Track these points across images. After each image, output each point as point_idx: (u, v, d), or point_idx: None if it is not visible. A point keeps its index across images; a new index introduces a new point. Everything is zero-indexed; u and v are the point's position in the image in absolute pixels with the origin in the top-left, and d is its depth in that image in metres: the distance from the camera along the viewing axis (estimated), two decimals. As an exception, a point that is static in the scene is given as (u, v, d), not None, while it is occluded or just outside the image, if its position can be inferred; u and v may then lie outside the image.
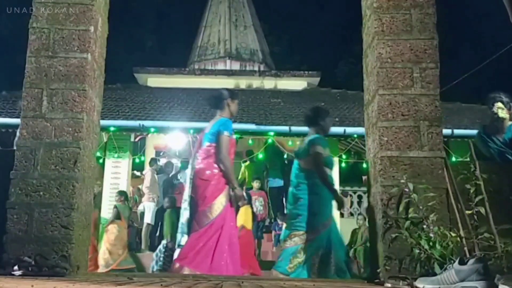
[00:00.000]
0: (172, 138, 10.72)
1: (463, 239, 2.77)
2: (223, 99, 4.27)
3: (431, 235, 2.67)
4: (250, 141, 10.19)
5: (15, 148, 3.08)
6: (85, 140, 3.07)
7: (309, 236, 4.09)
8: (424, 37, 3.10)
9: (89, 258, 4.44)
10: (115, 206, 8.23)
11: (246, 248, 6.92)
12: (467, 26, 20.79)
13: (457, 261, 2.26)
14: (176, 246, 4.25)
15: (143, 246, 9.26)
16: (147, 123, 9.32)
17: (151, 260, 7.97)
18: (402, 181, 2.84)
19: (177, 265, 3.89)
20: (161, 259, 7.82)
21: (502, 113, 4.18)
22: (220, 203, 3.96)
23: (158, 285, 2.34)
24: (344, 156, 10.61)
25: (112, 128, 9.16)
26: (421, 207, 2.77)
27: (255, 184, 9.35)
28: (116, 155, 9.97)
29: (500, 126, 4.19)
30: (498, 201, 2.88)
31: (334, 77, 21.02)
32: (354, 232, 9.49)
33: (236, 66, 14.77)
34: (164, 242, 8.01)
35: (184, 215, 4.16)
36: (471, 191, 2.88)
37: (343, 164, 10.59)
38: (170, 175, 10.31)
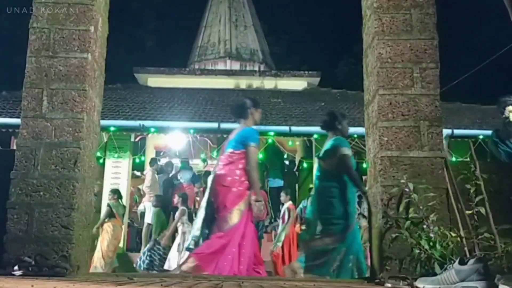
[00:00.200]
0: (172, 138, 10.72)
1: (463, 239, 2.77)
2: (247, 108, 4.35)
3: (431, 235, 2.67)
4: (250, 141, 10.17)
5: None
6: (85, 140, 3.07)
7: (337, 237, 4.13)
8: (424, 37, 3.10)
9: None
10: (108, 205, 8.23)
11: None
12: (467, 26, 20.79)
13: (457, 261, 2.26)
14: (185, 248, 4.30)
15: (143, 246, 9.25)
16: (147, 123, 9.31)
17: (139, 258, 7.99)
18: (402, 181, 2.84)
19: (193, 262, 3.93)
20: (148, 257, 7.85)
21: None
22: (239, 210, 4.04)
23: (158, 285, 2.34)
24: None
25: (112, 128, 9.15)
26: (421, 207, 2.77)
27: (255, 184, 9.33)
28: (116, 155, 9.96)
29: None
30: (498, 201, 2.88)
31: (334, 77, 21.02)
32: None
33: (236, 66, 14.77)
34: (152, 241, 8.04)
35: (198, 221, 4.21)
36: (471, 191, 2.88)
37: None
38: (170, 175, 10.31)
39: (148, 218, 9.36)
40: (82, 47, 3.13)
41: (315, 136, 9.39)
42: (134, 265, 7.97)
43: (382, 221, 2.86)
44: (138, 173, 11.57)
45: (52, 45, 3.13)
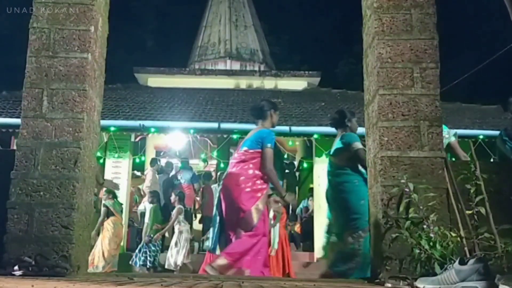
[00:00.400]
0: (172, 138, 10.73)
1: (464, 239, 2.76)
2: (266, 109, 4.43)
3: (432, 235, 2.67)
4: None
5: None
6: (85, 140, 3.07)
7: (358, 235, 4.13)
8: (424, 37, 3.10)
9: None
10: (104, 205, 8.23)
11: None
12: (467, 26, 20.78)
13: (457, 261, 2.26)
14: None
15: (142, 246, 9.25)
16: (147, 123, 9.32)
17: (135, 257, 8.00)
18: (402, 181, 2.84)
19: (224, 261, 3.95)
20: (143, 254, 7.87)
21: None
22: (258, 209, 4.09)
23: (159, 285, 2.34)
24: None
25: (112, 128, 9.16)
26: (421, 207, 2.77)
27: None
28: (117, 155, 9.97)
29: None
30: (498, 201, 2.88)
31: (334, 77, 21.04)
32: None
33: (236, 66, 14.79)
34: (147, 237, 8.05)
35: (217, 225, 4.29)
36: (472, 191, 2.88)
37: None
38: (170, 175, 10.32)
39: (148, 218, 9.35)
40: (82, 47, 3.13)
41: (315, 136, 9.40)
42: (130, 262, 7.98)
43: (382, 221, 2.86)
44: (138, 173, 11.58)
45: (52, 45, 3.13)
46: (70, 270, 2.82)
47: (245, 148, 4.27)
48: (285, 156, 11.48)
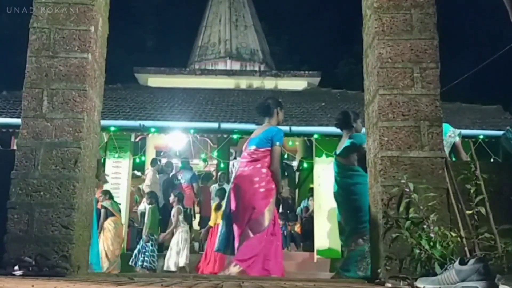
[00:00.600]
0: (173, 138, 10.72)
1: (464, 239, 2.76)
2: (273, 107, 4.44)
3: (432, 235, 2.67)
4: (250, 141, 10.17)
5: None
6: (85, 140, 3.07)
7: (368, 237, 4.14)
8: (424, 37, 3.10)
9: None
10: (102, 206, 8.22)
11: None
12: (467, 26, 20.79)
13: (457, 261, 2.26)
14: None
15: (143, 246, 9.25)
16: (147, 123, 9.31)
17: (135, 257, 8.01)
18: (402, 181, 2.84)
19: (239, 268, 3.95)
20: (142, 255, 7.87)
21: None
22: (270, 210, 4.12)
23: (159, 285, 2.34)
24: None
25: (112, 128, 9.16)
26: (421, 207, 2.77)
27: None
28: (117, 155, 9.96)
29: None
30: (498, 201, 2.88)
31: (335, 77, 21.04)
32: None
33: (236, 66, 14.78)
34: (145, 236, 8.05)
35: (226, 221, 4.30)
36: (472, 191, 2.88)
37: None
38: (170, 175, 10.31)
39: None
40: (83, 47, 3.13)
41: (315, 136, 9.39)
42: (130, 263, 7.98)
43: (383, 221, 2.86)
44: (138, 173, 11.58)
45: (53, 45, 3.13)
46: (70, 270, 2.82)
47: (254, 147, 4.26)
48: (285, 156, 11.47)
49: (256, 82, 13.88)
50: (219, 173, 10.94)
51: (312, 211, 10.09)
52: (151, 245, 8.06)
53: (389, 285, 2.65)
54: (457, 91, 11.71)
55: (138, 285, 2.28)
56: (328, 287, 2.61)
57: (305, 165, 11.32)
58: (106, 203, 8.19)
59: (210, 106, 10.97)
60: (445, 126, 4.93)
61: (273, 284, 2.64)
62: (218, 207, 7.78)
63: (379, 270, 2.87)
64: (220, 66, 14.81)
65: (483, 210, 2.80)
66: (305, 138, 9.93)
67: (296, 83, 13.74)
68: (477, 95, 13.70)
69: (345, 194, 4.47)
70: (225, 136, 9.84)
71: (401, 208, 2.83)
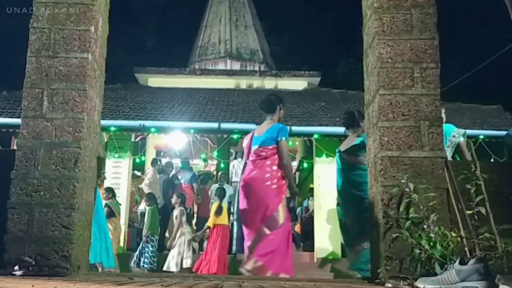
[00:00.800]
0: (173, 138, 10.72)
1: (464, 239, 2.76)
2: (276, 104, 4.44)
3: (432, 235, 2.67)
4: (250, 141, 10.17)
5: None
6: (85, 140, 3.07)
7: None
8: (424, 37, 3.10)
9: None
10: (106, 204, 8.22)
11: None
12: (467, 26, 20.79)
13: (457, 261, 2.26)
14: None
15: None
16: (147, 123, 9.32)
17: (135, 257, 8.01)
18: (402, 181, 2.84)
19: (257, 263, 3.97)
20: (143, 255, 7.88)
21: None
22: (284, 206, 4.14)
23: (159, 285, 2.34)
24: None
25: (112, 128, 9.16)
26: (421, 207, 2.77)
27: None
28: (117, 155, 9.97)
29: None
30: (498, 201, 2.88)
31: (335, 77, 21.04)
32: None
33: (236, 66, 14.78)
34: (144, 237, 8.06)
35: (238, 222, 4.34)
36: (472, 191, 2.88)
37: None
38: (171, 175, 10.31)
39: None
40: (83, 47, 3.13)
41: (315, 136, 9.40)
42: (132, 264, 7.98)
43: (383, 221, 2.86)
44: (139, 173, 11.57)
45: (53, 45, 3.13)
46: (70, 270, 2.82)
47: (261, 146, 4.26)
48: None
49: (256, 82, 13.88)
50: (219, 173, 10.94)
51: (312, 211, 10.10)
52: (151, 246, 8.06)
53: (389, 285, 2.65)
54: (457, 91, 11.71)
55: (138, 285, 2.28)
56: (328, 287, 2.61)
57: (305, 165, 11.33)
58: (110, 202, 8.20)
59: (210, 106, 10.97)
60: (450, 126, 4.93)
61: (273, 284, 2.64)
62: (219, 211, 7.80)
63: (379, 270, 2.87)
64: (220, 66, 14.81)
65: (483, 210, 2.80)
66: (305, 138, 9.93)
67: (296, 83, 13.74)
68: (477, 95, 13.69)
69: (352, 192, 4.46)
70: (225, 136, 9.84)
71: (401, 208, 2.83)
